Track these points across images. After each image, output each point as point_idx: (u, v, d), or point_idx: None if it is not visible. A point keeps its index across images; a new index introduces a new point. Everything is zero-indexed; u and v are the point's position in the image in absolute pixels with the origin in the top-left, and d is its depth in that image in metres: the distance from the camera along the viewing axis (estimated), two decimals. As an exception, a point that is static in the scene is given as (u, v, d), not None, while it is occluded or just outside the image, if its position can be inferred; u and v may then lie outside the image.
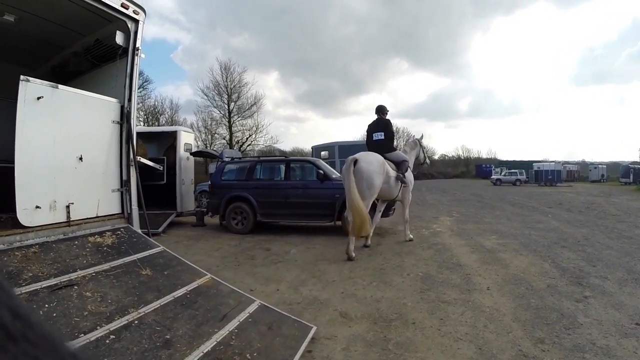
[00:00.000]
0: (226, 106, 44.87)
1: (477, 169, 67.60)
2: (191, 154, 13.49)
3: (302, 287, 6.05)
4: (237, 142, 45.07)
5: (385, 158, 8.35)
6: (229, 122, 44.81)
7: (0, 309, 0.39)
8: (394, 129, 9.10)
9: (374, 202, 8.65)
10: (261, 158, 12.87)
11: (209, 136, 44.92)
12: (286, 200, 10.73)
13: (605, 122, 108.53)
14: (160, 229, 10.93)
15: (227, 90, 44.89)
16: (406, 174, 8.83)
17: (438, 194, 29.21)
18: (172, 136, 13.36)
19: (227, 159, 12.56)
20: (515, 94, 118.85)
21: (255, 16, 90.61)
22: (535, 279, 6.40)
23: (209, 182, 12.47)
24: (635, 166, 45.21)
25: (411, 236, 9.55)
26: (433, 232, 11.06)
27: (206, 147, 42.05)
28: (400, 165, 8.69)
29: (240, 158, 13.53)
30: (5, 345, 0.36)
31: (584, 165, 65.58)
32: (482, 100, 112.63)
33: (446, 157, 79.28)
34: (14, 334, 0.38)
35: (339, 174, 11.76)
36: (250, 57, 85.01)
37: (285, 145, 66.37)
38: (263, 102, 46.36)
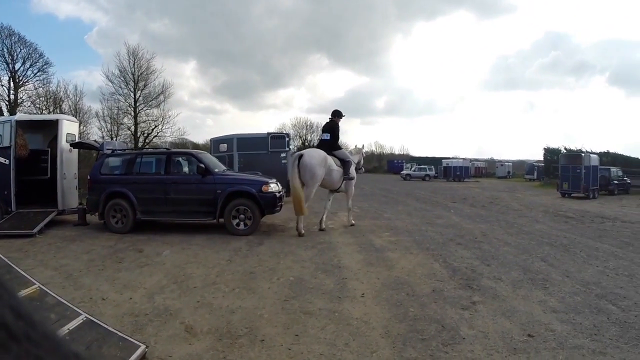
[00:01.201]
0: (132, 94, 42.22)
1: (389, 165, 68.63)
2: (71, 145, 12.24)
3: (158, 295, 5.38)
4: (142, 133, 42.81)
5: (333, 155, 9.94)
6: (135, 111, 42.18)
7: (3, 309, 0.38)
8: (339, 131, 10.56)
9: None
10: (142, 150, 11.76)
11: (115, 127, 42.06)
12: (166, 197, 10.00)
13: (514, 125, 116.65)
14: (36, 229, 9.90)
15: (133, 78, 42.10)
16: (350, 170, 10.21)
17: (346, 189, 28.84)
18: (56, 125, 12.20)
19: (107, 151, 11.40)
20: (431, 94, 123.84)
21: (177, 2, 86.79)
22: (420, 282, 5.73)
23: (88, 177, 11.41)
24: (539, 164, 47.71)
25: (353, 222, 10.75)
26: (324, 229, 10.29)
27: (112, 138, 39.55)
28: (345, 164, 10.15)
29: (123, 150, 12.30)
30: (7, 345, 0.36)
31: (491, 162, 68.86)
32: (398, 99, 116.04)
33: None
34: (17, 334, 0.37)
35: (225, 168, 11.18)
36: (168, 44, 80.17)
37: (199, 138, 64.50)
38: (171, 91, 44.01)
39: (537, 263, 6.84)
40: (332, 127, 10.34)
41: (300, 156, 9.54)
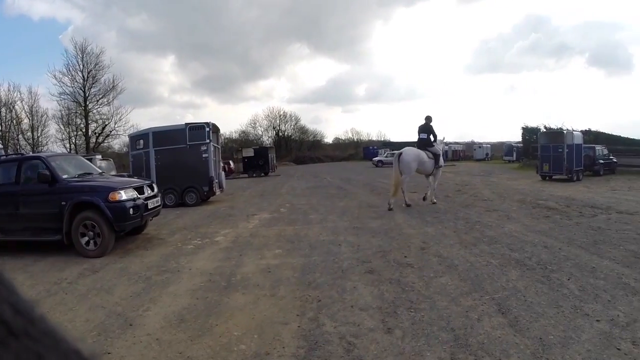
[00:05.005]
0: (82, 92, 40.63)
1: (365, 151, 65.82)
2: None
3: None
4: (94, 132, 41.52)
5: (427, 150, 12.18)
6: (85, 110, 40.58)
7: (1, 305, 0.38)
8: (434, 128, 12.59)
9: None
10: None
11: (69, 128, 41.04)
12: (16, 212, 8.15)
13: (495, 107, 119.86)
14: None
15: (82, 75, 40.59)
16: (440, 161, 12.38)
17: (304, 180, 25.69)
18: None
19: None
20: (412, 80, 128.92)
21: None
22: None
23: None
24: (519, 145, 45.36)
25: (435, 200, 12.25)
26: (199, 246, 7.53)
27: (69, 140, 40.13)
28: (436, 156, 12.29)
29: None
30: (6, 341, 0.36)
31: (470, 145, 66.57)
32: (379, 86, 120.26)
33: (340, 140, 78.40)
34: (16, 330, 0.37)
35: (94, 171, 9.33)
36: (146, 40, 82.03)
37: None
38: (122, 85, 43.30)
39: (488, 318, 3.71)
40: (427, 129, 12.49)
41: (400, 154, 11.82)
